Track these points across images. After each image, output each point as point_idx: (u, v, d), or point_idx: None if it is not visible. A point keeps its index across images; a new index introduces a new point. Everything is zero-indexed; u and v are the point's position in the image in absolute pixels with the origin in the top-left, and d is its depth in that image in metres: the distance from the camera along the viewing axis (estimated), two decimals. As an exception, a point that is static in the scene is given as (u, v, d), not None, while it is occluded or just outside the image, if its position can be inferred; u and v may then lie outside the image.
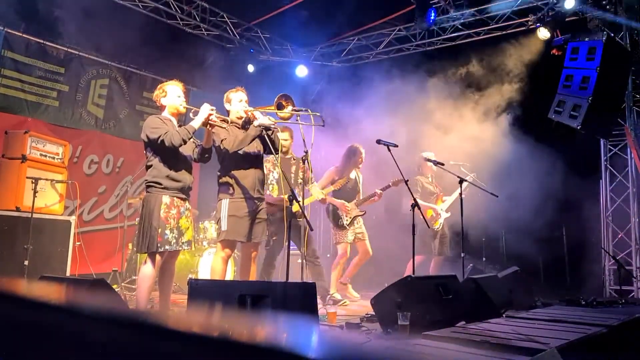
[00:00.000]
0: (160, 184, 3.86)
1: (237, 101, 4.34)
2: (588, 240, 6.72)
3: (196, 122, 3.88)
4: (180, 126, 4.00)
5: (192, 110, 4.02)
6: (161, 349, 0.84)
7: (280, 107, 4.18)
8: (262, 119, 4.12)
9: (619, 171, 6.74)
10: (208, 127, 3.98)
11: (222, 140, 4.14)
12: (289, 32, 8.19)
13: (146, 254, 3.88)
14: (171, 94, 4.03)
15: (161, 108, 4.08)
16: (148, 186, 3.91)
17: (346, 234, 5.80)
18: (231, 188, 4.18)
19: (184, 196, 4.00)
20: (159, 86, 4.11)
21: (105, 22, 6.60)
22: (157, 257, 3.84)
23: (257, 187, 4.26)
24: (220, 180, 4.26)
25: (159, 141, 3.77)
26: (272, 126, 4.15)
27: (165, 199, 3.86)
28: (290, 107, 4.20)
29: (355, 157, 5.96)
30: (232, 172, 4.21)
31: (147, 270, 3.83)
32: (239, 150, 4.14)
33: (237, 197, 4.16)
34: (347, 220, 5.79)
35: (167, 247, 3.82)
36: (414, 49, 8.27)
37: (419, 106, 6.88)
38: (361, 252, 5.97)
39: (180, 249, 3.98)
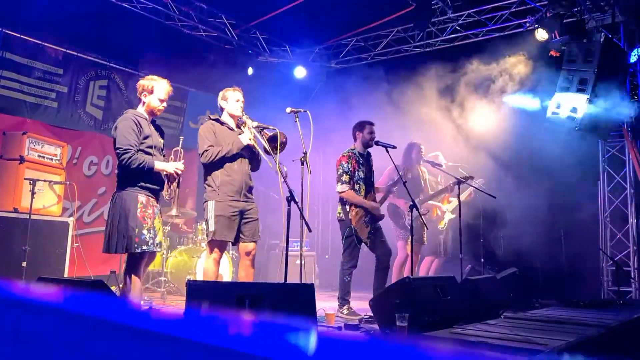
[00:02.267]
0: (136, 182, 3.77)
1: (234, 100, 4.32)
2: (586, 241, 6.72)
3: (159, 166, 3.83)
4: (154, 122, 3.99)
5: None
6: (159, 349, 0.84)
7: (274, 144, 4.16)
8: (244, 136, 4.17)
9: (617, 172, 6.75)
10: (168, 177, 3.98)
11: (203, 151, 4.14)
12: (287, 33, 8.19)
13: (131, 256, 3.81)
14: (155, 95, 3.90)
15: (140, 101, 3.95)
16: (121, 183, 3.80)
17: (407, 232, 5.58)
18: (216, 190, 4.16)
19: (156, 197, 3.93)
20: (149, 77, 3.97)
21: (104, 23, 6.60)
22: (141, 257, 3.79)
23: (244, 191, 4.24)
24: (207, 182, 4.24)
25: (119, 153, 3.72)
26: (247, 142, 4.19)
27: (141, 197, 3.77)
28: (275, 154, 4.21)
29: (413, 153, 5.85)
30: (218, 175, 4.19)
31: (135, 272, 3.78)
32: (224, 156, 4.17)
33: (224, 199, 4.14)
34: (408, 219, 5.58)
35: (144, 247, 3.71)
36: (412, 50, 8.28)
37: (417, 107, 6.89)
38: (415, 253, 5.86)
39: (156, 250, 3.85)
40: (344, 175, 5.06)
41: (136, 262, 3.79)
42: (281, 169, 4.04)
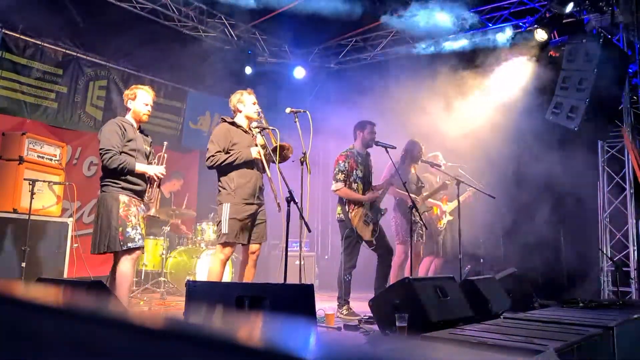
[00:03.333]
0: (117, 183, 3.88)
1: (251, 103, 4.43)
2: (586, 241, 6.72)
3: (140, 168, 3.94)
4: (140, 130, 4.12)
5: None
6: (158, 350, 0.84)
7: (281, 153, 4.20)
8: (253, 151, 4.23)
9: (617, 173, 6.75)
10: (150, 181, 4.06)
11: (210, 157, 4.20)
12: (286, 33, 8.20)
13: (119, 255, 3.87)
14: (139, 100, 4.07)
15: (126, 109, 4.13)
16: (104, 185, 3.92)
17: (411, 233, 5.44)
18: (232, 193, 4.21)
19: (140, 197, 4.04)
20: (131, 87, 4.17)
21: (103, 24, 6.61)
22: (131, 254, 3.86)
23: (257, 194, 4.31)
24: (221, 184, 4.30)
25: (101, 153, 3.83)
26: (256, 156, 4.23)
27: (123, 197, 3.88)
28: (278, 159, 4.24)
29: (414, 151, 5.84)
30: (233, 177, 4.23)
31: (125, 269, 3.85)
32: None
33: (238, 201, 4.20)
34: (416, 217, 5.54)
35: (130, 244, 3.82)
36: (411, 50, 8.27)
37: (417, 107, 6.89)
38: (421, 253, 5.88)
39: (142, 245, 3.97)
40: (339, 174, 5.07)
41: (124, 259, 3.85)
42: (270, 182, 4.14)
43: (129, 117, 4.09)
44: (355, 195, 5.05)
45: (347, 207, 5.08)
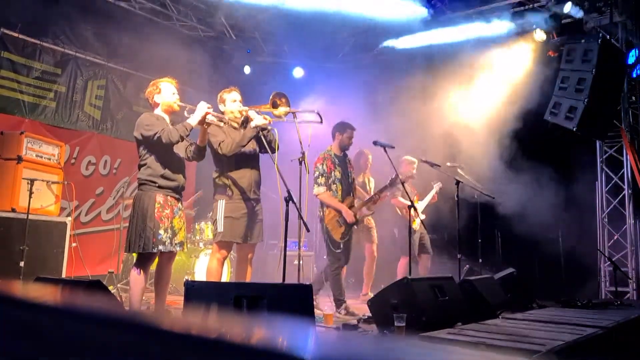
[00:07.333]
0: (154, 182, 3.80)
1: (230, 101, 4.34)
2: (584, 241, 6.73)
3: (193, 120, 3.82)
4: (173, 124, 3.96)
5: (187, 108, 3.97)
6: (157, 350, 0.84)
7: (275, 105, 4.19)
8: (257, 119, 4.12)
9: (615, 173, 6.76)
10: (204, 125, 3.94)
11: (219, 144, 4.12)
12: (286, 33, 8.18)
13: (136, 254, 3.85)
14: (165, 91, 3.98)
15: (154, 105, 4.01)
16: (141, 184, 3.84)
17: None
18: (228, 189, 4.18)
19: (177, 196, 3.96)
20: (152, 82, 4.06)
21: (102, 23, 6.60)
22: (150, 257, 3.82)
23: (253, 188, 4.26)
24: (216, 181, 4.25)
25: (155, 138, 3.71)
26: (268, 126, 4.17)
27: (159, 197, 3.80)
28: (284, 107, 4.21)
29: (360, 161, 5.93)
30: (229, 173, 4.21)
31: (140, 271, 3.81)
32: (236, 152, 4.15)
33: (234, 199, 4.16)
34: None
35: (160, 247, 3.76)
36: (410, 49, 8.26)
37: (416, 107, 6.89)
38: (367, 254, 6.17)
39: (174, 249, 3.90)
40: (320, 177, 5.09)
41: (145, 260, 3.82)
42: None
43: (159, 112, 3.98)
44: (334, 202, 5.05)
45: (324, 207, 5.11)
